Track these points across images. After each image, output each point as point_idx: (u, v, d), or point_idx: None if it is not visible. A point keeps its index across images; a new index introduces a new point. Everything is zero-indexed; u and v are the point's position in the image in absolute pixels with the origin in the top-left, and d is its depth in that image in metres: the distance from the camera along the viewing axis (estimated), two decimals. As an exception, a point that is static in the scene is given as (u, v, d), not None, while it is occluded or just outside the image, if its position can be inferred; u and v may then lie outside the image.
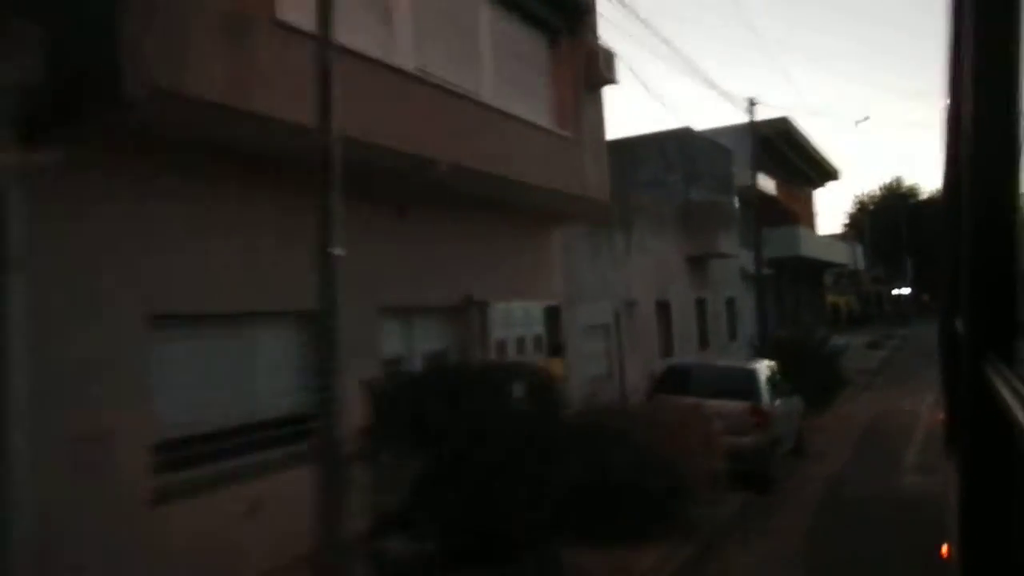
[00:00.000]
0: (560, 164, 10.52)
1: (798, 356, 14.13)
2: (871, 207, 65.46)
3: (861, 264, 58.94)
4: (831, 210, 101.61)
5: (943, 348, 4.05)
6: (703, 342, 19.66)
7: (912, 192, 65.12)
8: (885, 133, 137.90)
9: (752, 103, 19.66)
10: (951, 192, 3.00)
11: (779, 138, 27.47)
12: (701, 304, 19.90)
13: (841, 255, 37.16)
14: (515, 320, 11.12)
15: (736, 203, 24.26)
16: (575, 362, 12.77)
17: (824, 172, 37.37)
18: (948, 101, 2.87)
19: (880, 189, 66.95)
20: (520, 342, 11.07)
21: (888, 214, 59.71)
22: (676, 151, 24.79)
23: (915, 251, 55.48)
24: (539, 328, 11.74)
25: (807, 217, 36.58)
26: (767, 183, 26.42)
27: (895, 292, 58.93)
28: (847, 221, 65.97)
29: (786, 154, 28.68)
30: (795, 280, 32.69)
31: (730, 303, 22.81)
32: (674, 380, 11.51)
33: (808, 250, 27.92)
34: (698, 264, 19.59)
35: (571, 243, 13.09)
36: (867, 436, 14.92)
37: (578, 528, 6.78)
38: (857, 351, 27.97)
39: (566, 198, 10.78)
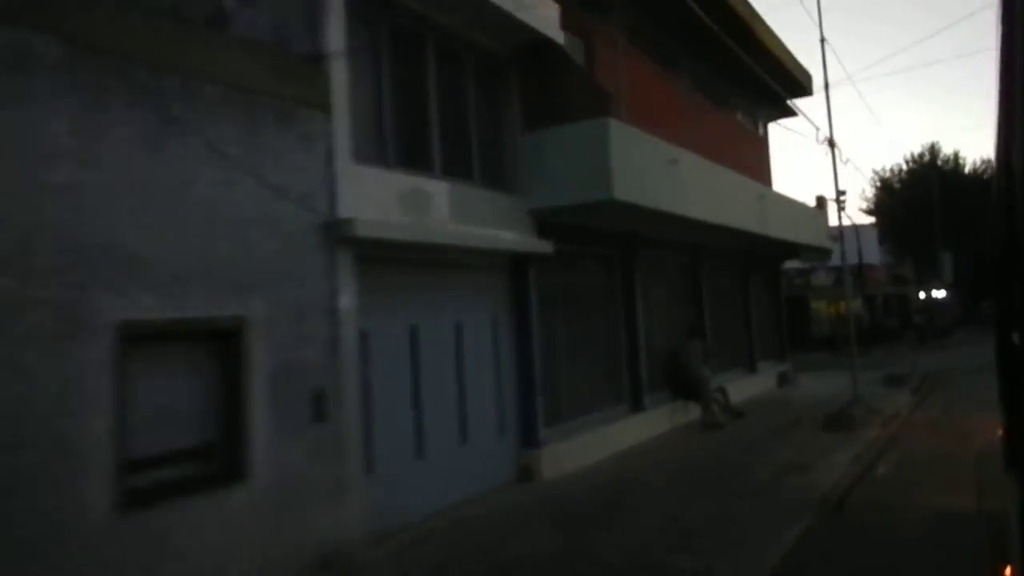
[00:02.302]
0: None
1: None
2: (896, 185, 49.10)
3: (876, 257, 42.35)
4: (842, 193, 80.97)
5: (999, 357, 3.44)
6: None
7: (951, 162, 48.71)
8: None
9: None
10: (1006, 171, 2.45)
11: None
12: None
13: (811, 230, 19.36)
14: None
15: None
16: None
17: (766, 61, 17.13)
18: (1001, 62, 2.30)
19: (907, 162, 50.25)
20: None
21: (919, 192, 44.25)
22: None
23: (955, 241, 39.11)
24: None
25: (752, 168, 19.02)
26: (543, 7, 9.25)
27: (924, 296, 41.02)
28: (868, 206, 49.81)
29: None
30: (691, 270, 15.36)
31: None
32: None
33: (650, 194, 10.01)
34: None
35: None
36: None
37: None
38: (793, 455, 10.48)
39: None
